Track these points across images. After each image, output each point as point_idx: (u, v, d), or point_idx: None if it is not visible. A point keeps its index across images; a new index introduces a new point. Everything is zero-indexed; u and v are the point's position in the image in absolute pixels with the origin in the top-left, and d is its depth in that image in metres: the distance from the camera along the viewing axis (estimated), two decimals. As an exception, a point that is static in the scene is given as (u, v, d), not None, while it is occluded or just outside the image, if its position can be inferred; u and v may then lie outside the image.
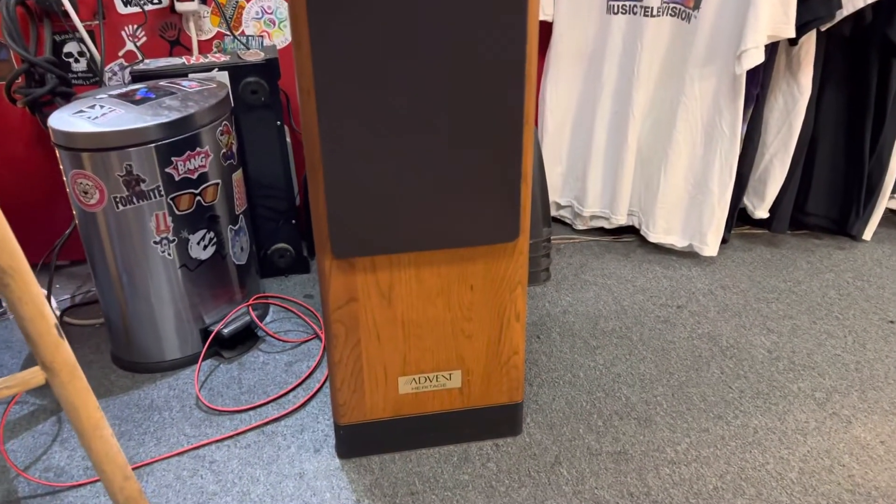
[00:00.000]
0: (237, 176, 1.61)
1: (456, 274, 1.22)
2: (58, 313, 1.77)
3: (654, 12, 1.80)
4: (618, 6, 1.85)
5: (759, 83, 1.82)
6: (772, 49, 1.76)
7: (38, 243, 1.78)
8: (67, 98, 1.72)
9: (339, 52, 1.01)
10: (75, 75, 1.79)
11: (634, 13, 1.83)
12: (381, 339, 1.25)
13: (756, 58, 1.66)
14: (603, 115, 1.96)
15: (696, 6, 1.74)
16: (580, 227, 2.15)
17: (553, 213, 2.17)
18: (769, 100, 1.87)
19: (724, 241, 1.96)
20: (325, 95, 1.04)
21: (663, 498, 1.25)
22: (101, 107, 1.44)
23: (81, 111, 1.43)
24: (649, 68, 1.85)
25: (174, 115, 1.42)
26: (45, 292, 1.69)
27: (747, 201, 2.02)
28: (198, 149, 1.47)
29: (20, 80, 1.69)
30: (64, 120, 1.40)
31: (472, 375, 1.31)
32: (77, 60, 1.78)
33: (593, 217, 2.10)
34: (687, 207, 1.94)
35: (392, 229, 1.14)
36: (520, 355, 1.31)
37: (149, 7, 1.77)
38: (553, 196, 2.13)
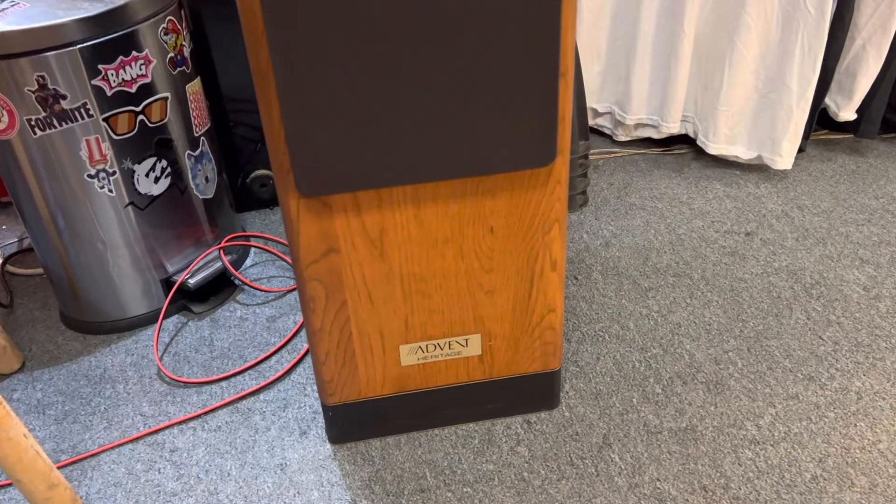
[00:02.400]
0: (193, 87, 1.28)
1: (470, 212, 0.90)
2: (0, 261, 1.49)
3: None
4: None
5: (857, -55, 1.42)
6: None
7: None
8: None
9: None
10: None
11: None
12: (373, 299, 0.94)
13: None
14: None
15: None
16: (622, 137, 1.79)
17: (590, 120, 1.81)
18: (867, -32, 1.47)
19: (799, 149, 1.61)
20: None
21: (747, 492, 0.97)
22: (3, 0, 1.10)
23: (-24, 7, 1.10)
24: (713, -69, 1.45)
25: (96, 8, 1.08)
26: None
27: (830, 100, 1.65)
28: (134, 53, 1.13)
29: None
30: (-49, 20, 1.07)
31: (494, 340, 1.01)
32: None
33: (639, 125, 1.75)
34: (756, 110, 1.57)
35: (380, 156, 0.82)
36: (557, 313, 1.00)
37: None
38: (590, 101, 1.77)
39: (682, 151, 1.75)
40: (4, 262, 1.48)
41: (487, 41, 0.77)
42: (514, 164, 0.86)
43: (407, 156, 0.83)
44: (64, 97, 1.09)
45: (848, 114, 1.62)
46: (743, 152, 1.62)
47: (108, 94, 1.12)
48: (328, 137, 0.80)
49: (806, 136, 1.62)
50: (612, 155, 1.77)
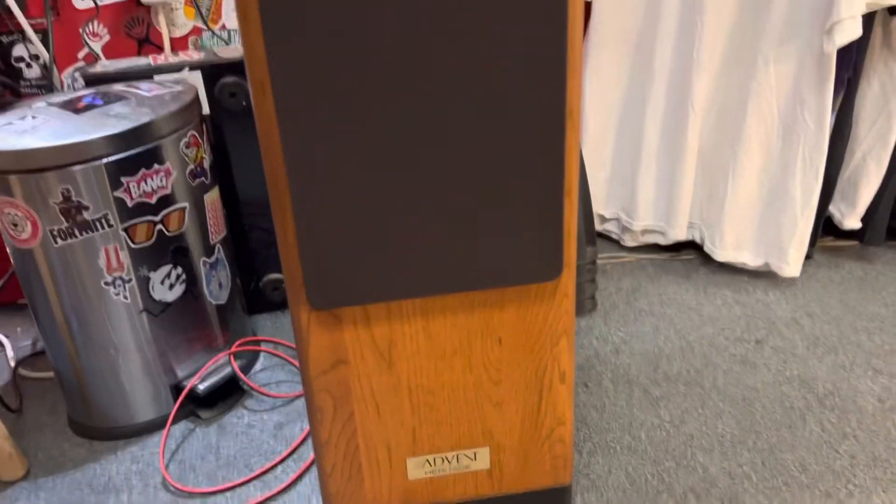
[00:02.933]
0: (211, 197, 1.32)
1: (478, 324, 0.90)
2: (13, 364, 1.50)
3: (718, -19, 1.47)
4: (671, -23, 1.53)
5: (851, 64, 1.48)
6: (865, 23, 1.42)
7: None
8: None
9: (308, 28, 0.71)
10: (28, 83, 1.52)
11: (692, -16, 1.51)
12: (381, 411, 0.94)
13: (852, 31, 1.32)
14: (655, 110, 1.63)
15: (771, -29, 1.41)
16: (630, 243, 1.82)
17: (597, 227, 1.85)
18: (861, 85, 1.53)
19: (806, 256, 1.62)
20: (287, 88, 0.74)
21: None
22: (34, 117, 1.16)
23: (10, 123, 1.15)
24: (712, 50, 1.52)
25: (123, 125, 1.14)
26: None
27: (834, 209, 1.68)
28: (156, 166, 1.18)
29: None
30: (-15, 135, 1.12)
31: (503, 454, 1.00)
32: (29, 66, 1.51)
33: (645, 231, 1.77)
34: (761, 218, 1.60)
35: (390, 270, 0.83)
36: (567, 426, 0.99)
37: (112, 0, 1.50)
38: (597, 208, 1.81)
39: (690, 257, 1.77)
40: (17, 366, 1.49)
41: (494, 158, 0.80)
42: (521, 278, 0.87)
43: (416, 269, 0.84)
44: (87, 208, 1.13)
45: (853, 222, 1.65)
46: (750, 259, 1.64)
47: (129, 205, 1.16)
48: (340, 251, 0.82)
49: (812, 244, 1.63)
50: (620, 260, 1.79)
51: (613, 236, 1.86)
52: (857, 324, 1.50)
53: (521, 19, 0.73)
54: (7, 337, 1.59)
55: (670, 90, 1.60)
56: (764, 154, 1.54)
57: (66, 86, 1.54)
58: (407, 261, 0.84)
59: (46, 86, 1.52)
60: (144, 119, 1.16)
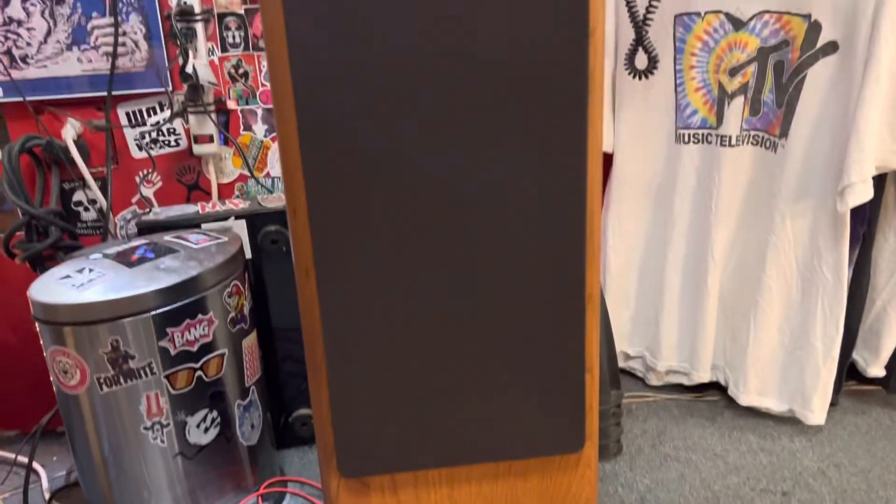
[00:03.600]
0: (249, 341, 1.38)
1: (502, 494, 0.93)
2: (47, 496, 1.53)
3: (733, 142, 1.55)
4: (688, 135, 1.61)
5: (865, 219, 1.53)
6: (878, 179, 1.48)
7: (41, 407, 1.58)
8: (71, 253, 1.56)
9: (348, 219, 0.79)
10: (85, 225, 1.63)
11: (709, 142, 1.59)
12: (405, 577, 0.96)
13: (863, 194, 1.38)
14: (676, 256, 1.69)
15: (784, 134, 1.49)
16: (654, 382, 1.84)
17: (621, 363, 1.87)
18: (877, 239, 1.58)
19: (831, 403, 1.62)
20: (330, 274, 0.81)
21: None
22: (91, 270, 1.25)
23: (68, 276, 1.24)
24: (729, 204, 1.59)
25: (172, 279, 1.22)
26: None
27: (857, 356, 1.69)
28: (199, 316, 1.25)
29: (21, 233, 1.53)
30: (46, 288, 1.21)
31: None
32: (87, 209, 1.62)
33: (669, 372, 1.80)
34: (784, 365, 1.62)
35: (417, 439, 0.88)
36: None
37: (166, 150, 1.62)
38: (621, 345, 1.84)
39: (715, 399, 1.78)
40: (51, 498, 1.53)
41: (519, 337, 0.85)
42: (544, 450, 0.91)
43: (442, 440, 0.88)
44: (133, 357, 1.20)
45: (877, 370, 1.66)
46: (774, 405, 1.65)
47: (172, 353, 1.23)
48: (371, 423, 0.86)
49: (837, 391, 1.64)
50: (645, 399, 1.80)
51: (638, 374, 1.88)
52: (886, 477, 1.48)
53: (539, 198, 0.80)
54: (43, 467, 1.63)
55: (690, 238, 1.66)
56: (784, 303, 1.58)
57: (118, 227, 1.65)
58: (434, 432, 0.88)
59: (101, 228, 1.62)
60: (192, 272, 1.24)
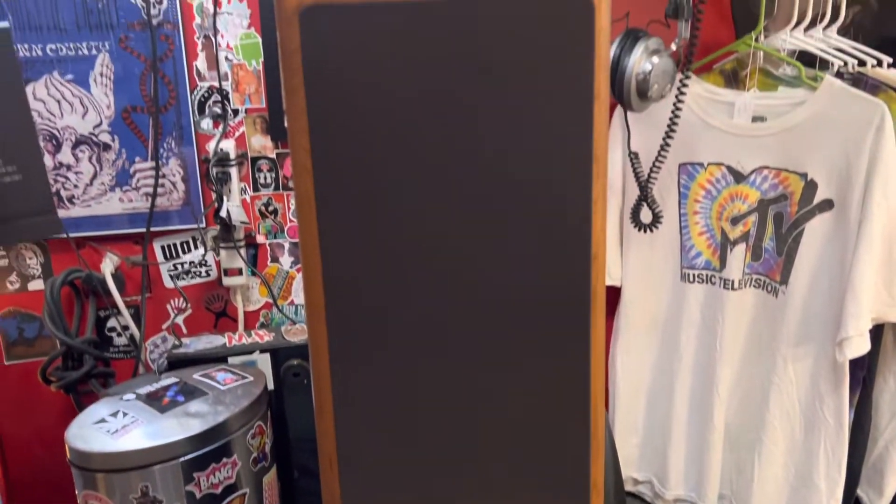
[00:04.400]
0: (269, 478, 1.44)
1: None
2: None
3: (736, 285, 1.62)
4: (693, 275, 1.69)
5: (865, 365, 1.59)
6: (876, 327, 1.55)
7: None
8: (104, 379, 1.64)
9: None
10: (117, 349, 1.72)
11: (713, 283, 1.67)
12: None
13: (861, 346, 1.44)
14: (682, 389, 1.74)
15: (784, 281, 1.56)
16: (662, 509, 1.87)
17: (630, 487, 1.91)
18: (878, 382, 1.63)
19: (837, 539, 1.65)
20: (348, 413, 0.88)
21: None
22: (125, 414, 1.33)
23: (103, 420, 1.31)
24: (733, 343, 1.65)
25: (201, 426, 1.29)
26: None
27: (862, 493, 1.72)
28: (224, 459, 1.32)
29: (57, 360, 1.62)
30: (81, 434, 1.28)
31: None
32: (120, 335, 1.71)
33: (678, 500, 1.83)
34: (790, 500, 1.65)
35: None
36: None
37: (197, 280, 1.72)
38: (628, 471, 1.88)
39: (722, 529, 1.80)
40: None
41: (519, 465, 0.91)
42: None
43: None
44: (160, 501, 1.26)
45: (881, 507, 1.69)
46: (781, 541, 1.67)
47: (198, 496, 1.29)
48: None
49: (842, 528, 1.67)
50: (653, 526, 1.83)
51: (647, 498, 1.92)
52: None
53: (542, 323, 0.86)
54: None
55: (696, 373, 1.72)
56: (788, 442, 1.62)
57: (148, 351, 1.73)
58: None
59: (132, 353, 1.71)
60: (220, 418, 1.31)
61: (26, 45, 1.51)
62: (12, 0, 1.49)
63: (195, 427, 1.29)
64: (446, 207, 0.80)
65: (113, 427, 1.29)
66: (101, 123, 1.58)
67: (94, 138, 1.58)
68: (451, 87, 0.77)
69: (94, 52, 1.54)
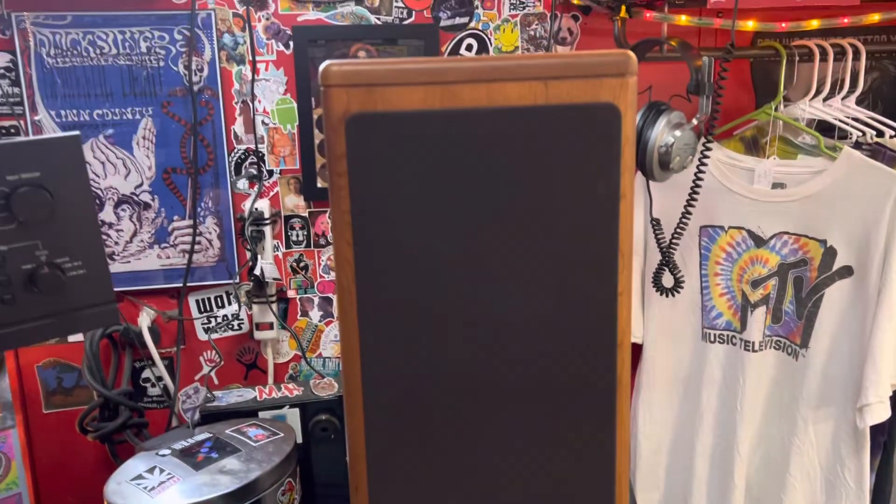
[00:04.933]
0: (297, 535, 1.48)
1: None
2: None
3: (756, 347, 1.65)
4: (714, 335, 1.72)
5: (885, 430, 1.60)
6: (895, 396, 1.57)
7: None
8: (139, 429, 1.69)
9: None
10: (150, 399, 1.77)
11: (733, 344, 1.69)
12: None
13: (881, 413, 1.47)
14: (703, 447, 1.76)
15: (804, 344, 1.59)
16: (683, 565, 1.88)
17: (651, 541, 1.92)
18: (898, 445, 1.64)
19: None
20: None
21: None
22: (161, 471, 1.37)
23: (140, 477, 1.36)
24: (754, 403, 1.67)
25: (234, 484, 1.33)
26: None
27: (884, 555, 1.73)
28: (255, 517, 1.36)
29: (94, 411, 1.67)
30: (120, 490, 1.33)
31: None
32: (153, 385, 1.76)
33: (699, 562, 1.84)
34: (812, 564, 1.66)
35: None
36: None
37: (229, 333, 1.77)
38: (650, 526, 1.89)
39: (743, 587, 1.81)
40: None
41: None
42: None
43: None
44: (194, 558, 1.30)
45: (904, 570, 1.69)
46: None
47: (230, 554, 1.33)
48: None
49: (864, 590, 1.67)
50: (674, 583, 1.84)
51: (668, 553, 1.93)
52: None
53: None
54: None
55: (717, 431, 1.74)
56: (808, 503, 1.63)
57: (181, 401, 1.79)
58: None
59: (165, 402, 1.76)
60: (252, 476, 1.36)
61: (75, 111, 1.59)
62: (63, 69, 1.57)
63: (229, 485, 1.33)
64: (480, 304, 0.84)
65: (150, 484, 1.34)
66: (142, 184, 1.65)
67: (135, 198, 1.65)
68: (485, 187, 0.82)
69: (137, 116, 1.62)
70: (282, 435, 1.51)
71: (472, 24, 1.70)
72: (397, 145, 0.81)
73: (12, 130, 1.59)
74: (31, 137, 0.78)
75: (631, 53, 0.82)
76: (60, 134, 0.78)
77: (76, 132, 0.81)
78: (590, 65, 0.82)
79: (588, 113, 0.82)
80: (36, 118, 1.58)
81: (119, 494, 1.32)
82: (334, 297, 1.80)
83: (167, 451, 1.45)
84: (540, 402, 0.88)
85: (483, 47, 1.72)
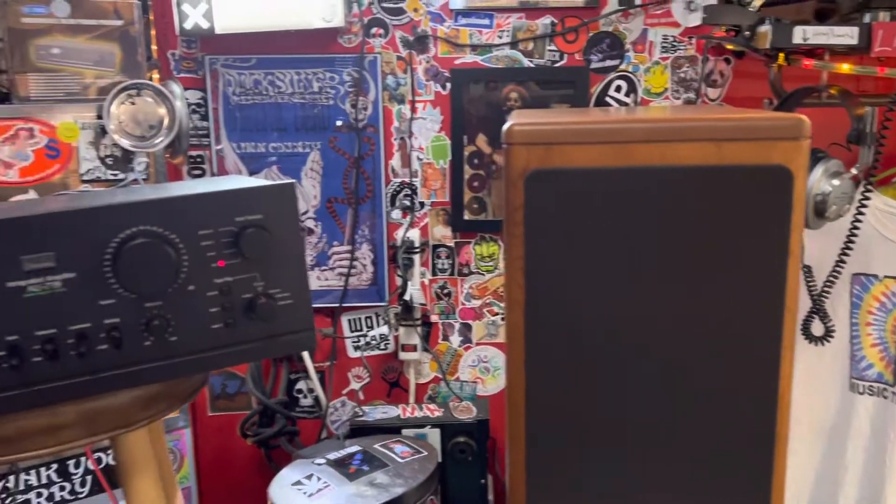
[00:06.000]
0: (436, 549, 1.56)
1: None
2: None
3: (910, 402, 1.59)
4: (864, 386, 1.66)
5: None
6: None
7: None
8: (291, 437, 1.83)
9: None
10: (302, 409, 1.91)
11: (884, 397, 1.63)
12: None
13: None
14: (847, 501, 1.70)
15: (965, 402, 1.52)
16: None
17: None
18: None
19: None
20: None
21: None
22: (318, 478, 1.49)
23: (299, 483, 1.48)
24: (906, 462, 1.61)
25: (383, 497, 1.43)
26: None
27: None
28: (401, 531, 1.45)
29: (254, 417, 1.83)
30: (283, 493, 1.46)
31: None
32: (305, 396, 1.90)
33: None
34: None
35: None
36: None
37: (376, 352, 1.89)
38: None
39: None
40: None
41: None
42: None
43: None
44: (345, 563, 1.40)
45: None
46: None
47: (376, 562, 1.42)
48: None
49: None
50: None
51: None
52: None
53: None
54: None
55: (864, 484, 1.68)
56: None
57: (329, 412, 1.91)
58: None
59: (315, 413, 1.89)
60: (399, 491, 1.45)
61: (253, 143, 1.76)
62: (245, 105, 1.75)
63: (379, 497, 1.43)
64: (643, 353, 0.89)
65: (308, 490, 1.46)
66: (307, 211, 1.79)
67: (301, 224, 1.80)
68: (655, 242, 0.87)
69: (307, 150, 1.77)
70: (425, 453, 1.60)
71: (623, 66, 1.74)
72: (572, 199, 0.88)
73: (198, 160, 1.78)
74: (255, 184, 0.89)
75: (804, 118, 0.85)
76: (278, 181, 0.90)
77: (292, 180, 0.92)
78: (762, 128, 0.85)
79: (760, 174, 0.85)
80: (218, 147, 1.77)
81: (282, 497, 1.45)
82: (474, 324, 1.88)
83: (322, 461, 1.57)
84: (699, 453, 0.91)
85: (632, 88, 1.76)
